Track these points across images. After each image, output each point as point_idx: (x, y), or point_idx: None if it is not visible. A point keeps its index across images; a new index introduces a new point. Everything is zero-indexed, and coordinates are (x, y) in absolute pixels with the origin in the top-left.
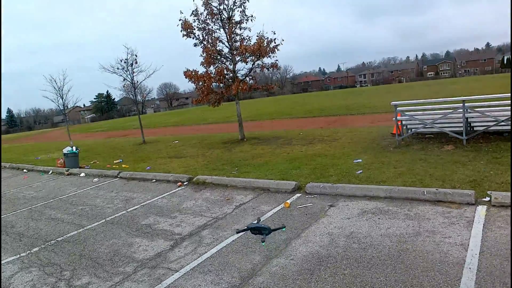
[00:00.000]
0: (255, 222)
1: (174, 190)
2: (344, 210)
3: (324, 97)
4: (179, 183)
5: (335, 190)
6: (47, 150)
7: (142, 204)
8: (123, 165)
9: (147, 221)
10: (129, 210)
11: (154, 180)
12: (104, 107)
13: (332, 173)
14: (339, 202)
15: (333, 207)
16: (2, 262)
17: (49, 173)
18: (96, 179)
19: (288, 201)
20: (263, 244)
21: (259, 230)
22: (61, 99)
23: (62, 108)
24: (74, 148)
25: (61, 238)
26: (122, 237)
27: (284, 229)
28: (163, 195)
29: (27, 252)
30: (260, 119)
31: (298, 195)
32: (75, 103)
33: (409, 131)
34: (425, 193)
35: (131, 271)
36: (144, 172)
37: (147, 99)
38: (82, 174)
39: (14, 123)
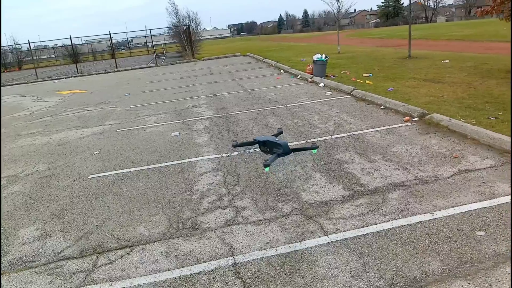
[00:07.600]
0: (273, 135)
1: (396, 125)
2: None
3: None
4: (407, 118)
5: None
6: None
7: (351, 133)
8: (367, 81)
9: (341, 156)
10: (334, 137)
11: (382, 107)
12: (391, 12)
13: None
14: None
15: None
16: (211, 156)
17: (298, 77)
18: (329, 92)
19: None
20: (266, 169)
21: (269, 147)
22: (336, 3)
23: (336, 11)
24: (323, 56)
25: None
26: (306, 167)
27: (315, 151)
28: (380, 128)
29: (229, 154)
30: None
31: None
32: (348, 8)
33: None
34: None
35: (287, 212)
36: (380, 95)
37: (440, 5)
38: (321, 84)
39: (307, 23)
